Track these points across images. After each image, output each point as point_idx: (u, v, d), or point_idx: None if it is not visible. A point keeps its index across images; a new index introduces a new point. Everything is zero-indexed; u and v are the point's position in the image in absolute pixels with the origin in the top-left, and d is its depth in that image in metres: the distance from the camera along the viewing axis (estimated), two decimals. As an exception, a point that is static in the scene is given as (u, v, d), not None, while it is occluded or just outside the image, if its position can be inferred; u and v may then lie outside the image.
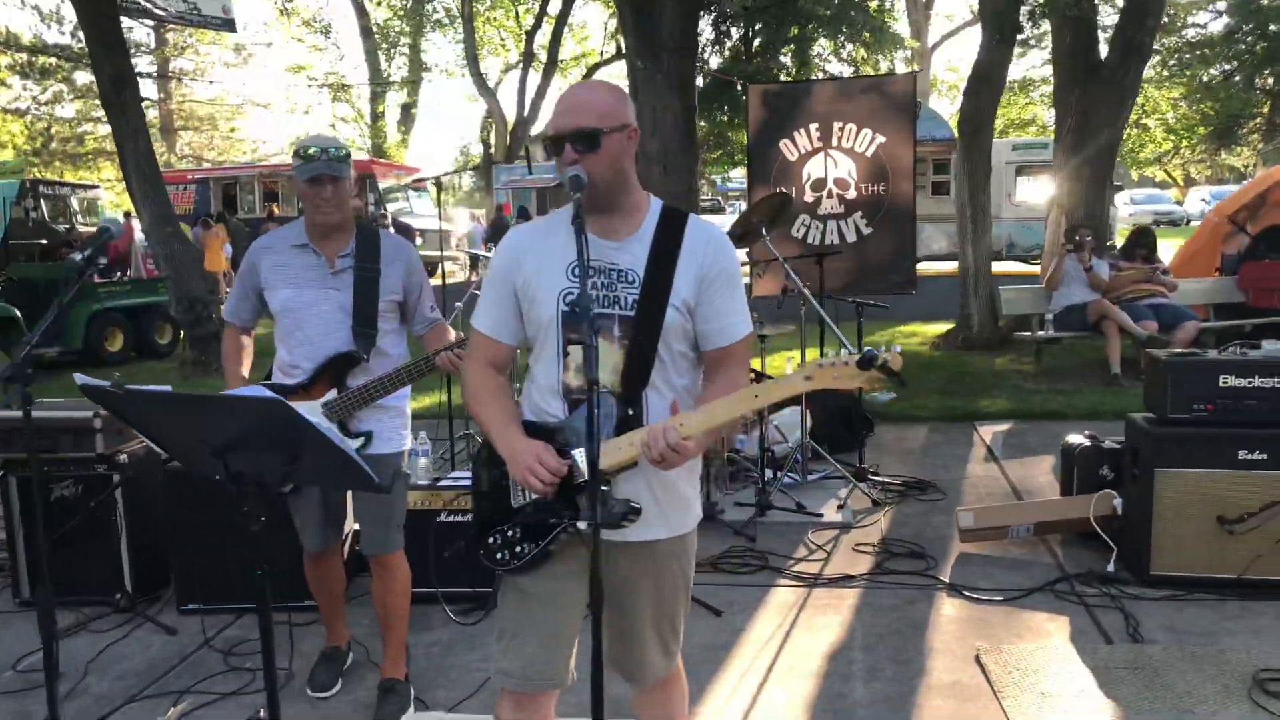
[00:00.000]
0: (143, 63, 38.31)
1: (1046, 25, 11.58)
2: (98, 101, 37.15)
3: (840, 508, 5.57)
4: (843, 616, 4.23)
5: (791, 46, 26.98)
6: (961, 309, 10.61)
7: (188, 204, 27.35)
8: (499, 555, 2.35)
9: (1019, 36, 10.52)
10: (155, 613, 4.40)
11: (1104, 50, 10.73)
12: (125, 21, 34.27)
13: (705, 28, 31.05)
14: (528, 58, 31.59)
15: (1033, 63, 33.09)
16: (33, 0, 35.74)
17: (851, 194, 9.90)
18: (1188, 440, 4.28)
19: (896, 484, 6.00)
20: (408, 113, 35.12)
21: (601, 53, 33.22)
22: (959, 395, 8.37)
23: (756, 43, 27.69)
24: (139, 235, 27.14)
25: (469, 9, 29.47)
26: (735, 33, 29.22)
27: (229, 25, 25.38)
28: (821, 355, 5.79)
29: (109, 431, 4.45)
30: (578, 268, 2.30)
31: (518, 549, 2.33)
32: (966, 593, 4.40)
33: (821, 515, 5.45)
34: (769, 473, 5.93)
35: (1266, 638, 3.86)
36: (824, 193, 10.00)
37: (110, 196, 38.91)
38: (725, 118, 28.94)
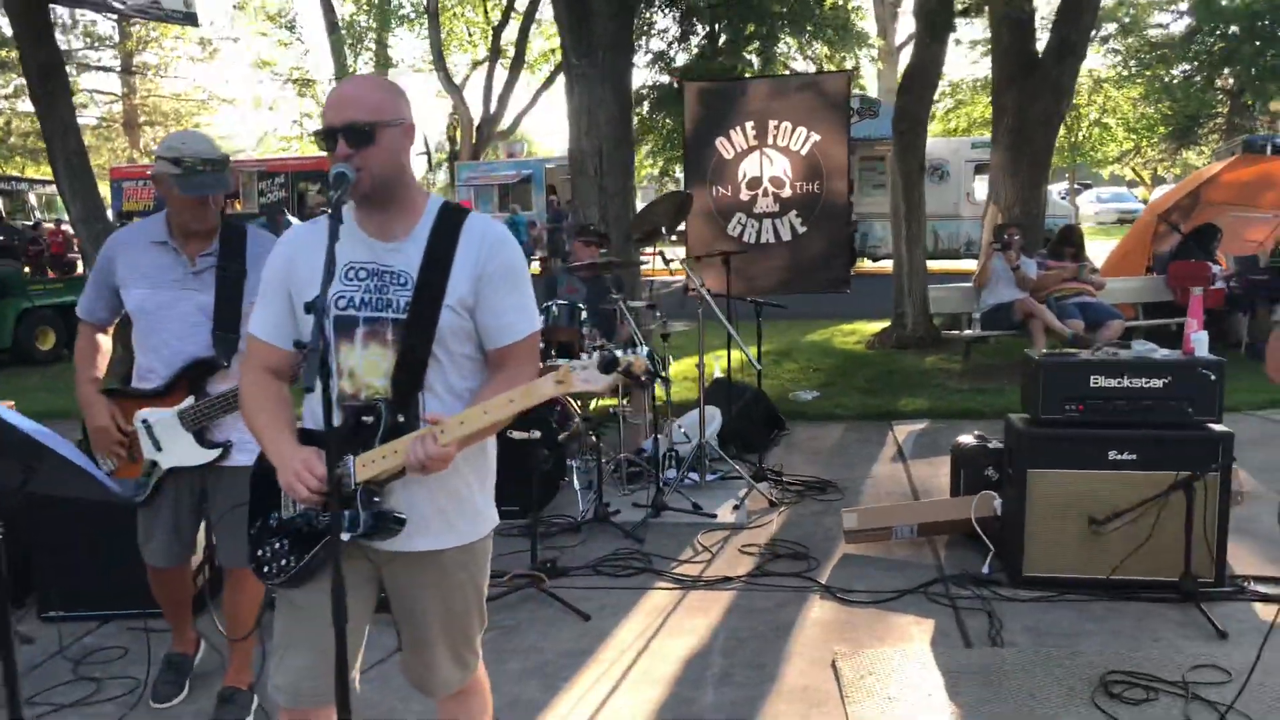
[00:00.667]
0: (106, 56, 38.04)
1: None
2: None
3: (736, 508, 5.54)
4: (711, 620, 4.19)
5: (756, 44, 27.07)
6: (896, 308, 10.62)
7: (147, 199, 27.05)
8: (266, 569, 2.29)
9: (955, 36, 10.48)
10: (16, 621, 4.31)
11: (1042, 48, 10.74)
12: (89, 15, 33.86)
13: (671, 25, 31.06)
14: (494, 54, 31.42)
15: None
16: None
17: (787, 192, 9.88)
18: (1059, 440, 4.27)
19: (797, 484, 5.97)
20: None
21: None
22: (882, 394, 8.36)
23: (722, 40, 27.76)
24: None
25: (434, 4, 29.29)
26: (701, 29, 29.29)
27: (191, 19, 24.96)
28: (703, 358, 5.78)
29: (-31, 433, 4.35)
30: (350, 269, 2.26)
31: (284, 561, 2.27)
32: (840, 595, 4.37)
33: (715, 516, 5.41)
34: (671, 474, 5.90)
35: (1124, 639, 3.85)
36: (759, 191, 9.98)
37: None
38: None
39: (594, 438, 5.63)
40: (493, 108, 31.30)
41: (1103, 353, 4.36)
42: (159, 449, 3.20)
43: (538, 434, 4.70)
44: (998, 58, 10.80)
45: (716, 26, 27.24)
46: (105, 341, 3.36)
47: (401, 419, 2.21)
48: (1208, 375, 4.17)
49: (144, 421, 3.20)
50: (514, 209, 23.39)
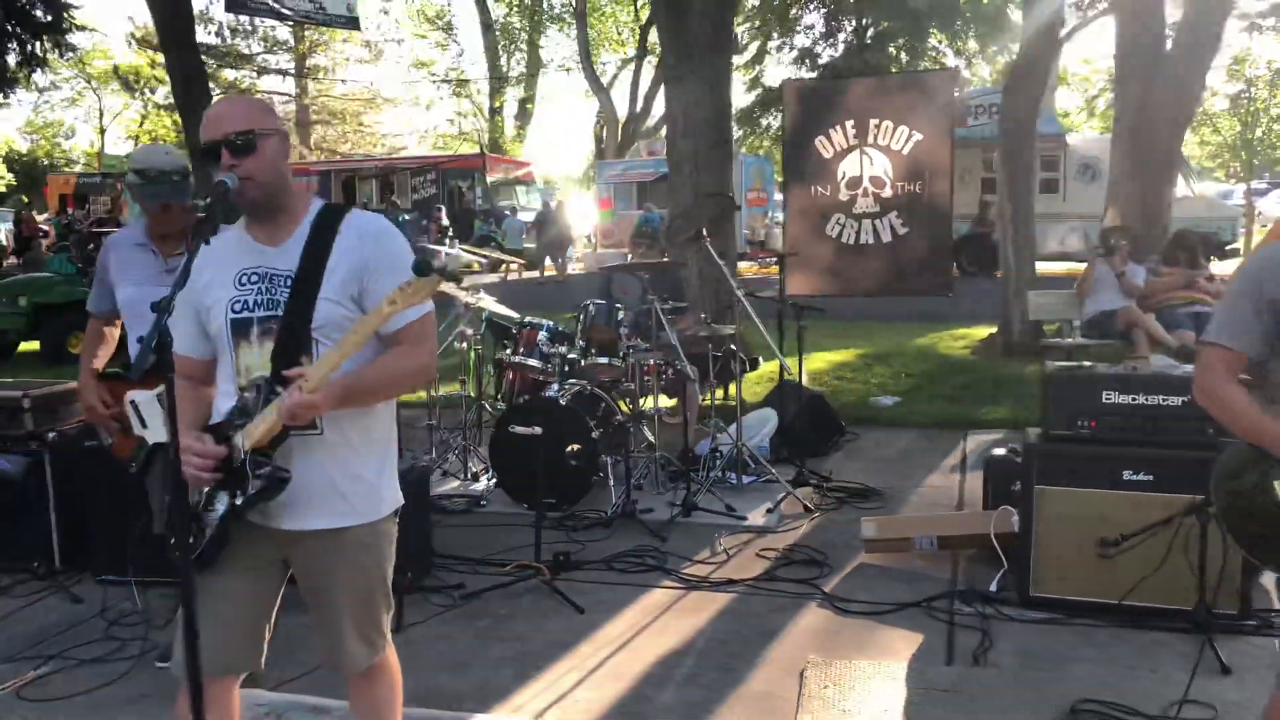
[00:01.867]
0: (283, 59, 40.35)
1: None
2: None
3: (769, 512, 5.52)
4: (701, 621, 4.22)
5: (903, 39, 26.48)
6: (1003, 314, 10.25)
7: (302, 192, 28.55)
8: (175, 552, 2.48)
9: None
10: (72, 583, 4.72)
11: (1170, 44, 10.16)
12: (268, 20, 35.97)
13: (818, 20, 30.59)
14: (642, 52, 31.81)
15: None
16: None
17: (887, 192, 9.68)
18: (1070, 458, 4.11)
19: (840, 491, 5.89)
20: (524, 108, 35.87)
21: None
22: (965, 402, 8.12)
23: (869, 35, 27.27)
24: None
25: (583, 5, 29.83)
26: (849, 25, 28.85)
27: (353, 23, 26.35)
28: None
29: (38, 410, 4.80)
30: (244, 275, 2.43)
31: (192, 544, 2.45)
32: (838, 604, 4.32)
33: (745, 519, 5.42)
34: (717, 474, 5.93)
35: (1119, 668, 3.69)
36: (859, 191, 9.81)
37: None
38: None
39: (632, 435, 5.72)
40: (638, 106, 31.68)
41: (1118, 368, 4.16)
42: (145, 426, 3.49)
43: (538, 430, 4.81)
44: (1121, 50, 10.27)
45: (864, 21, 26.85)
46: (110, 332, 3.70)
47: (280, 390, 2.36)
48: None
49: (131, 402, 3.50)
50: (648, 206, 23.54)
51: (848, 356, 10.27)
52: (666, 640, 4.03)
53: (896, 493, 5.93)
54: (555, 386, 5.75)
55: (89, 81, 42.76)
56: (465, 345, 6.05)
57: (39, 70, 14.83)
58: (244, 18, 36.01)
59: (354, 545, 2.49)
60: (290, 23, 29.80)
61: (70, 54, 14.92)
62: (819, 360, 10.13)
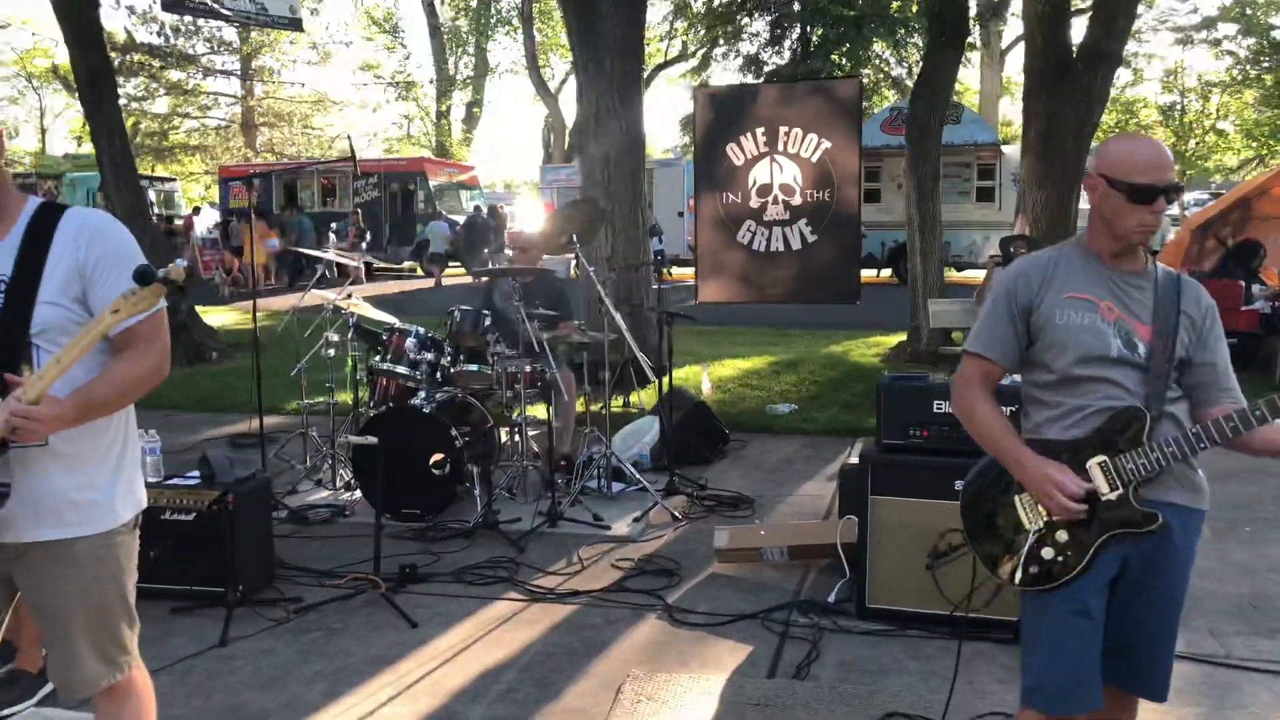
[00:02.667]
0: (230, 60, 39.80)
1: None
2: (186, 98, 38.82)
3: (636, 521, 5.46)
4: (534, 633, 4.15)
5: (845, 46, 26.62)
6: (910, 321, 10.29)
7: (249, 197, 28.23)
8: None
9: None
10: None
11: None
12: (214, 21, 35.37)
13: (763, 28, 30.73)
14: (589, 58, 31.72)
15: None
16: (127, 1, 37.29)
17: (797, 200, 9.67)
18: (903, 467, 4.09)
19: (711, 500, 5.85)
20: (470, 111, 35.68)
21: (666, 54, 33.20)
22: (860, 409, 8.11)
23: (813, 43, 27.39)
24: (199, 229, 28.30)
25: (529, 9, 29.73)
26: (794, 33, 28.95)
27: (296, 25, 26.06)
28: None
29: None
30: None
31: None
32: (677, 616, 4.27)
33: (609, 529, 5.35)
34: (587, 483, 5.87)
35: (937, 680, 3.66)
36: (769, 198, 9.79)
37: (197, 190, 40.61)
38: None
39: (503, 444, 5.63)
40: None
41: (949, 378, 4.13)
42: None
43: (374, 440, 4.73)
44: (1030, 60, 10.33)
45: (809, 29, 26.98)
46: None
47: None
48: None
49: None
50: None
51: (759, 364, 10.26)
52: (494, 654, 3.95)
53: (769, 501, 5.90)
54: (422, 394, 5.66)
55: (29, 80, 42.05)
56: (333, 352, 5.94)
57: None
58: (188, 18, 35.64)
59: (86, 557, 2.39)
60: (231, 23, 29.43)
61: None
62: (729, 367, 10.13)
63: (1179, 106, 26.62)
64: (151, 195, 31.26)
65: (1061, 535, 2.38)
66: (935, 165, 10.06)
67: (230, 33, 38.19)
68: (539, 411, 6.10)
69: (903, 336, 10.52)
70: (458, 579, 4.72)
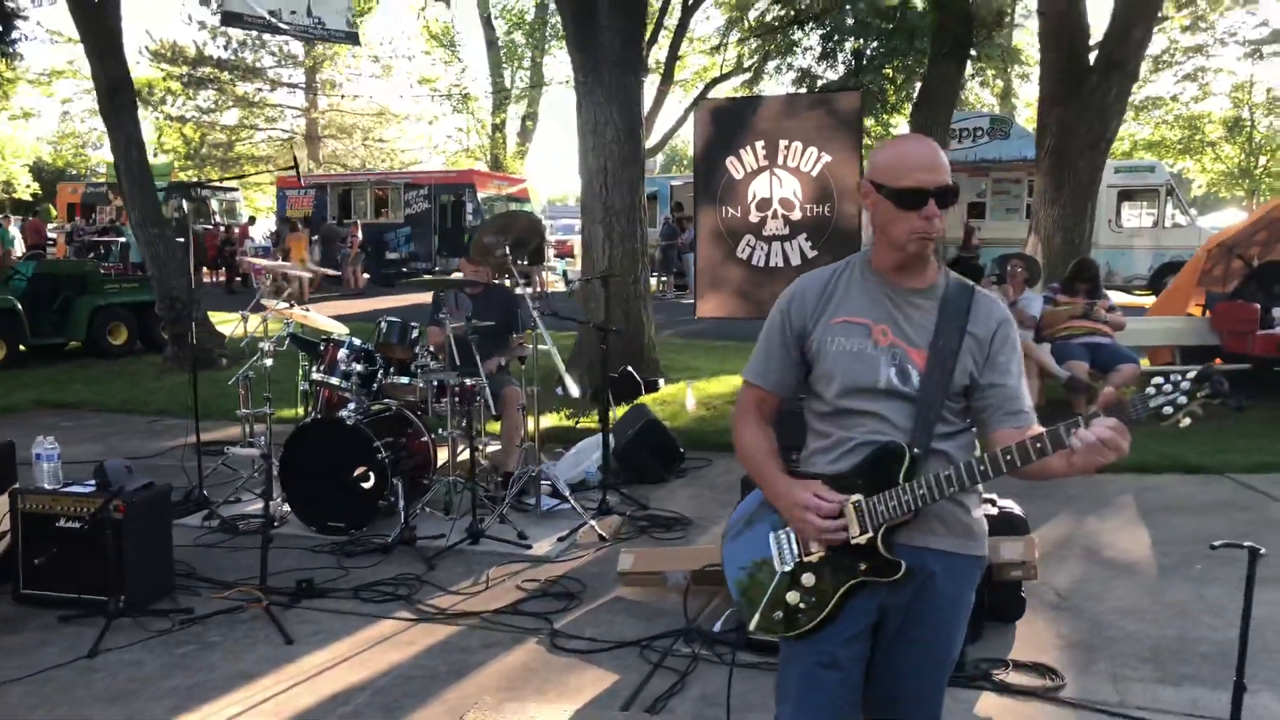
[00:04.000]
0: (298, 74, 40.72)
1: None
2: (252, 110, 39.78)
3: (560, 540, 5.34)
4: (407, 655, 4.05)
5: (898, 61, 26.24)
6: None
7: (306, 208, 28.76)
8: None
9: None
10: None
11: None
12: (272, 37, 36.23)
13: (815, 43, 30.46)
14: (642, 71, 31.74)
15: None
16: (199, 16, 38.45)
17: (797, 215, 9.46)
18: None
19: (645, 519, 5.70)
20: (524, 125, 35.96)
21: (722, 66, 33.07)
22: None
23: (866, 58, 27.04)
24: (255, 237, 28.91)
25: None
26: (849, 46, 28.63)
27: (352, 39, 26.42)
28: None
29: None
30: None
31: None
32: (558, 642, 4.13)
33: (530, 548, 5.23)
34: (531, 500, 5.77)
35: None
36: (769, 213, 9.60)
37: (265, 200, 41.51)
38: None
39: (433, 459, 5.56)
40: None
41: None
42: None
43: (258, 451, 4.67)
44: (1044, 74, 10.03)
45: (863, 42, 26.64)
46: None
47: None
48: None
49: None
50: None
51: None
52: (356, 675, 3.86)
53: (709, 522, 5.72)
54: (351, 405, 5.60)
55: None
56: (269, 362, 5.91)
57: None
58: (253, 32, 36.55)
59: None
60: (288, 37, 30.06)
61: (19, 61, 14.97)
62: (721, 384, 9.95)
63: (1248, 122, 25.62)
64: (214, 204, 32.18)
65: (808, 579, 2.20)
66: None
67: (297, 46, 39.16)
68: (496, 427, 6.01)
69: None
70: (355, 595, 4.65)
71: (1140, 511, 5.90)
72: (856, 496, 2.17)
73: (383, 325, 5.66)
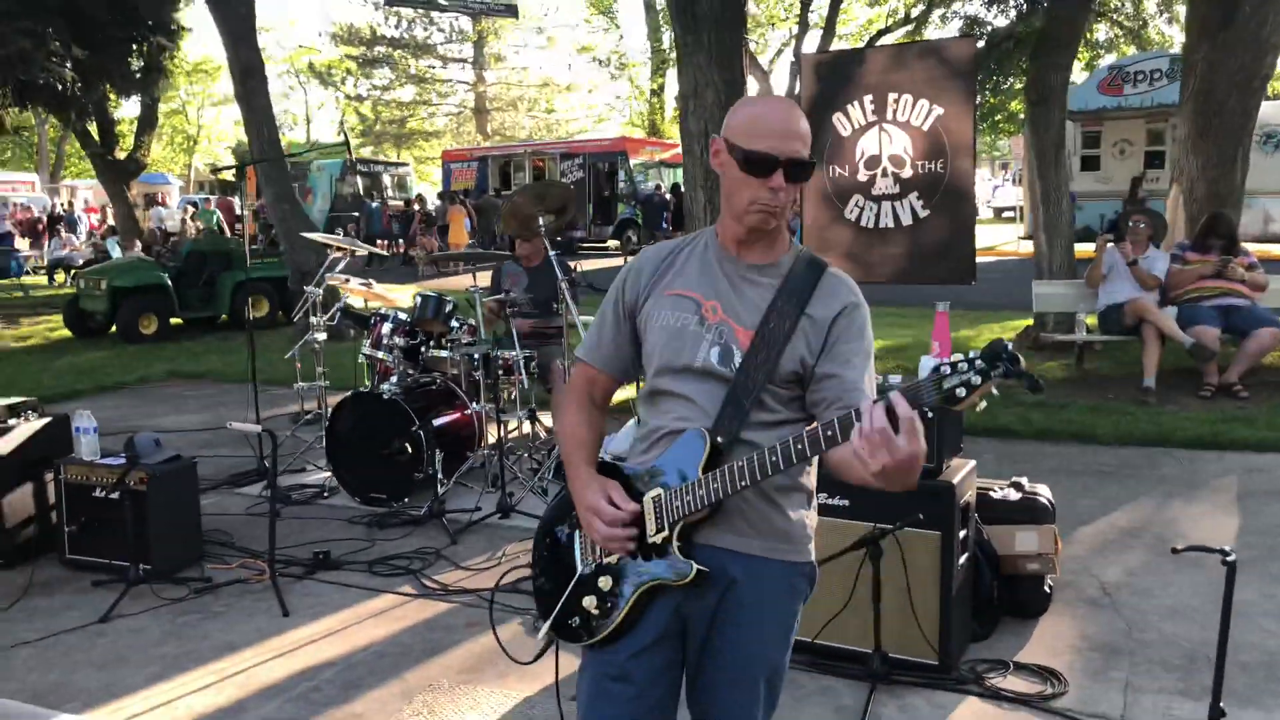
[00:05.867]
0: (466, 49, 41.83)
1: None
2: (424, 86, 41.11)
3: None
4: (390, 630, 4.05)
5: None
6: (1036, 305, 9.30)
7: (469, 179, 29.54)
8: None
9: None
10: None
11: None
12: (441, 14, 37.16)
13: (981, -13, 28.91)
14: (803, 29, 30.93)
15: None
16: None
17: (907, 172, 8.94)
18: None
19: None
20: (683, 89, 35.64)
21: (888, 18, 31.88)
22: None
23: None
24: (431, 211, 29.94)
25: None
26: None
27: (511, 11, 27.03)
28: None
29: None
30: None
31: None
32: (538, 624, 4.02)
33: (557, 523, 5.15)
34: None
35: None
36: (878, 171, 9.13)
37: (438, 173, 42.97)
38: (992, 83, 26.86)
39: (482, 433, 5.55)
40: (798, 86, 30.85)
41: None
42: None
43: (258, 428, 4.74)
44: (1192, 7, 9.07)
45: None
46: None
47: None
48: (923, 411, 3.36)
49: None
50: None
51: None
52: (333, 649, 3.89)
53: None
54: (394, 378, 5.66)
55: (297, 77, 45.88)
56: (323, 336, 6.03)
57: (161, 76, 15.89)
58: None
59: None
60: (445, 11, 30.83)
61: (174, 55, 15.91)
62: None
63: None
64: (386, 179, 33.51)
65: (605, 582, 2.02)
66: (1059, 130, 9.01)
67: (465, 21, 40.18)
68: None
69: (1029, 321, 9.54)
70: (369, 569, 4.69)
71: (1237, 495, 5.29)
72: (657, 491, 1.96)
73: (417, 300, 5.68)
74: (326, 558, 4.73)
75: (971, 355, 1.64)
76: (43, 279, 22.42)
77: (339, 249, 6.47)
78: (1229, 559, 2.51)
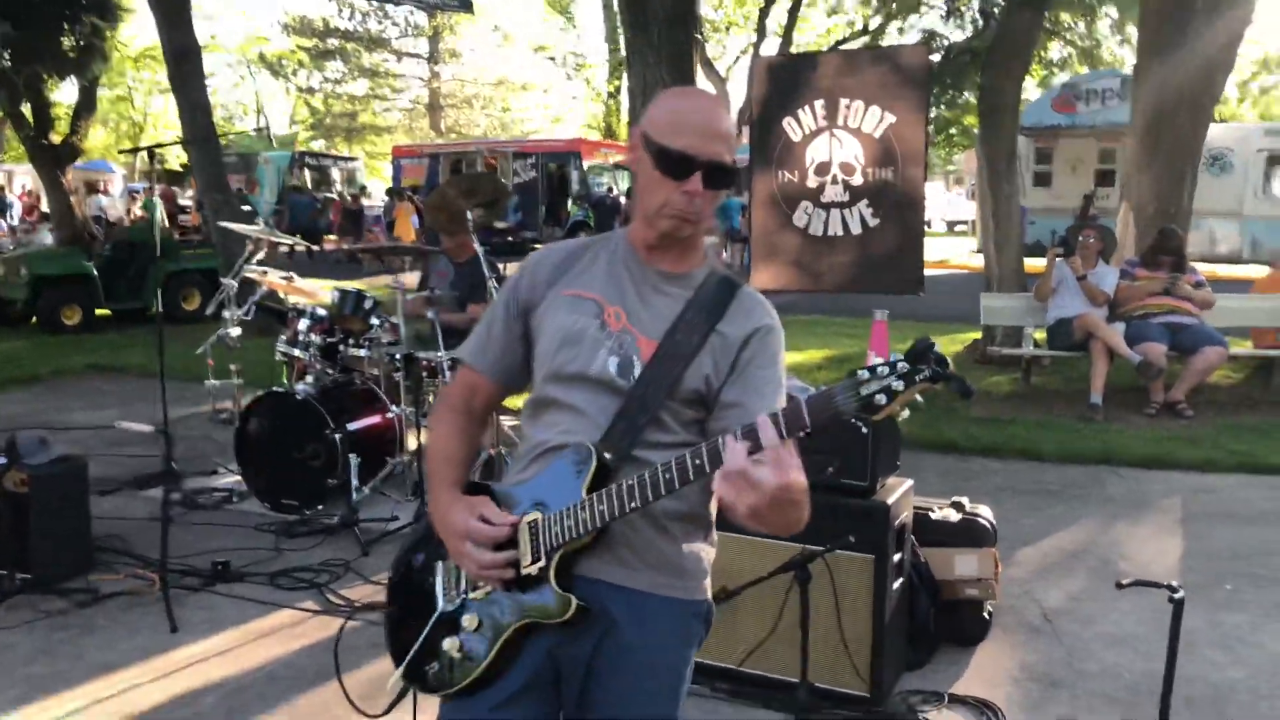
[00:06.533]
0: (421, 44, 41.29)
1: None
2: (378, 80, 40.50)
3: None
4: (284, 650, 3.76)
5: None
6: (983, 318, 9.17)
7: (419, 177, 29.05)
8: None
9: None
10: None
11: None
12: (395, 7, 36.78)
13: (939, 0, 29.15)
14: (760, 36, 30.91)
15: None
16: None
17: (857, 179, 8.75)
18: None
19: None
20: (640, 91, 35.48)
21: (847, 29, 32.00)
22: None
23: (997, 12, 25.55)
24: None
25: (696, -13, 29.18)
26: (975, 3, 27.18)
27: (466, 7, 26.55)
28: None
29: None
30: None
31: None
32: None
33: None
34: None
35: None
36: (828, 178, 8.92)
37: (388, 169, 42.38)
38: (948, 97, 26.93)
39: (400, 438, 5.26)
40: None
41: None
42: None
43: (148, 428, 4.42)
44: (1143, 27, 9.02)
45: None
46: None
47: None
48: (857, 427, 3.15)
49: None
50: (729, 192, 22.95)
51: (809, 357, 9.43)
52: (221, 671, 3.59)
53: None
54: (310, 378, 5.34)
55: (248, 67, 45.02)
56: (236, 331, 5.71)
57: (98, 59, 15.31)
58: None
59: None
60: (400, 5, 30.32)
61: (111, 37, 15.36)
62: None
63: None
64: (335, 173, 32.95)
65: (470, 621, 1.76)
66: (1010, 142, 8.90)
67: (421, 16, 39.64)
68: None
69: (978, 334, 9.41)
70: (271, 581, 4.38)
71: (1182, 517, 5.14)
72: (535, 514, 1.71)
73: (335, 295, 5.37)
74: (226, 568, 4.41)
75: (894, 358, 1.42)
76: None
77: (258, 240, 6.14)
78: (1176, 595, 2.30)
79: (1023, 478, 5.86)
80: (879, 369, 1.43)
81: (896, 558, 3.29)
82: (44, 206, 24.73)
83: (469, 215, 5.19)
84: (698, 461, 1.54)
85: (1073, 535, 4.92)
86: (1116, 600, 4.11)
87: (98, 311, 11.98)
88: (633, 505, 1.60)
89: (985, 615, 3.73)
